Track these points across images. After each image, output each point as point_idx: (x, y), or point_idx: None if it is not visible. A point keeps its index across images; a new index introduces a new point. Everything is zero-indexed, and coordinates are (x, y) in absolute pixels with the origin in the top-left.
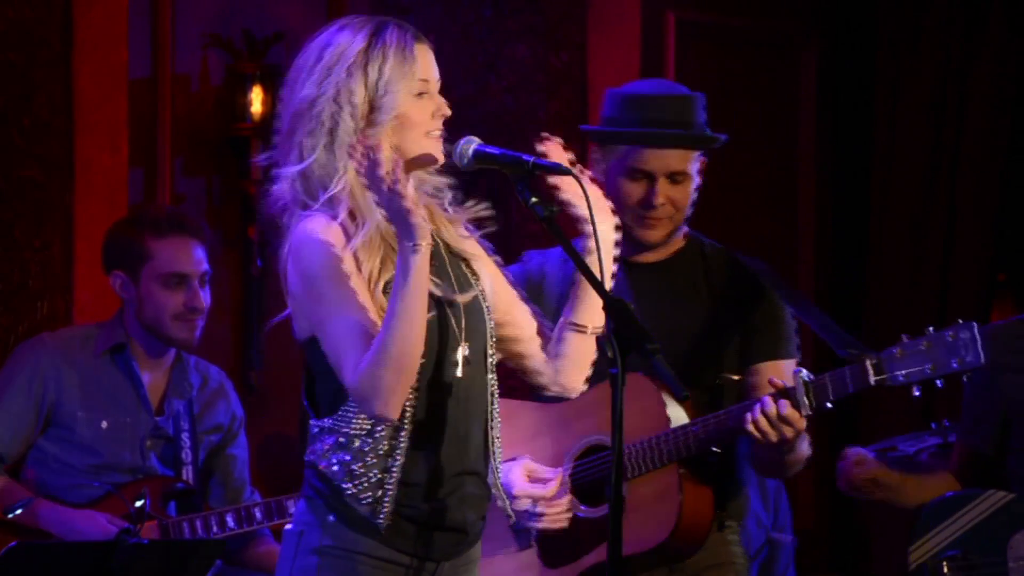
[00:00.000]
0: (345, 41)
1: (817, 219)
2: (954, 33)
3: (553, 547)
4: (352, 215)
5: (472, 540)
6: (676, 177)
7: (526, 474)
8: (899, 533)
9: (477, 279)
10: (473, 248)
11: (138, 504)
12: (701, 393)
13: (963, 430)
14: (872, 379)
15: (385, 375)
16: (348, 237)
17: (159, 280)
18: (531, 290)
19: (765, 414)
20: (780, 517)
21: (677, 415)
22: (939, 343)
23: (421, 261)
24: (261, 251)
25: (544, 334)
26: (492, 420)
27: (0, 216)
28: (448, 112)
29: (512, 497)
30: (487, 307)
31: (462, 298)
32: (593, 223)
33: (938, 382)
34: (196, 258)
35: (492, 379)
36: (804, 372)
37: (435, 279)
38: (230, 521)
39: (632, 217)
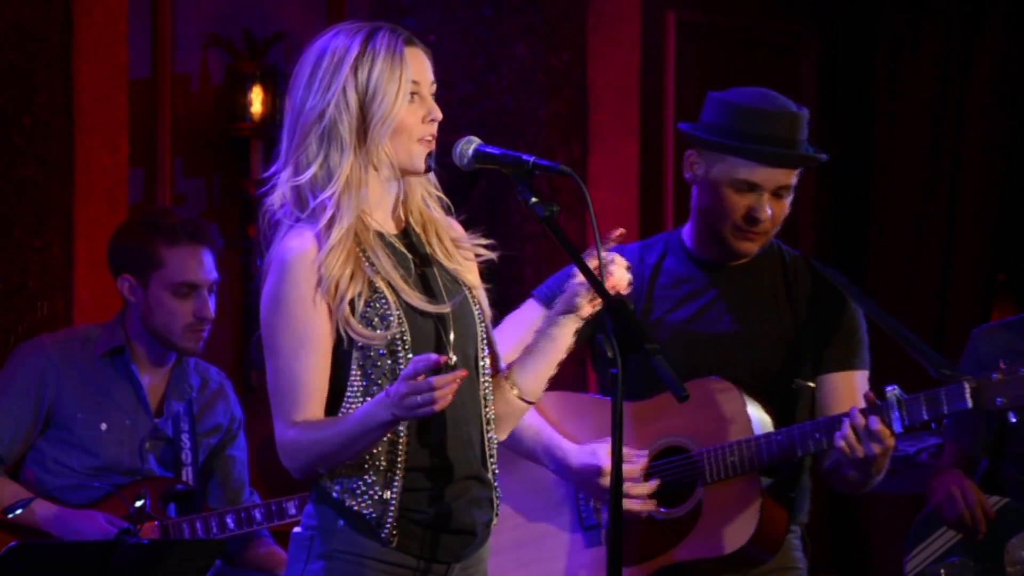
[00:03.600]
0: (340, 47)
1: (817, 219)
2: (954, 33)
3: (626, 546)
4: (331, 221)
5: (481, 541)
6: (781, 192)
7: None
8: (899, 533)
9: (465, 284)
10: (469, 278)
11: (138, 504)
12: (775, 398)
13: (953, 432)
14: (969, 401)
15: (312, 461)
16: (322, 246)
17: (169, 288)
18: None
19: (854, 428)
20: None
21: (761, 418)
22: None
23: (391, 426)
24: (261, 251)
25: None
26: (487, 424)
27: (0, 216)
28: (439, 116)
29: (600, 474)
30: (478, 313)
31: (450, 307)
32: (594, 224)
33: None
34: (207, 267)
35: (485, 383)
36: (897, 389)
37: (420, 293)
38: (230, 522)
39: (732, 228)
